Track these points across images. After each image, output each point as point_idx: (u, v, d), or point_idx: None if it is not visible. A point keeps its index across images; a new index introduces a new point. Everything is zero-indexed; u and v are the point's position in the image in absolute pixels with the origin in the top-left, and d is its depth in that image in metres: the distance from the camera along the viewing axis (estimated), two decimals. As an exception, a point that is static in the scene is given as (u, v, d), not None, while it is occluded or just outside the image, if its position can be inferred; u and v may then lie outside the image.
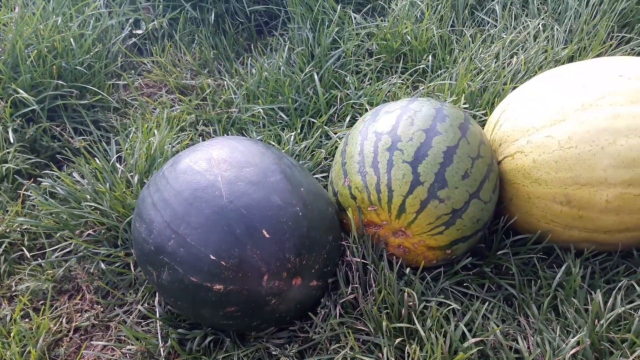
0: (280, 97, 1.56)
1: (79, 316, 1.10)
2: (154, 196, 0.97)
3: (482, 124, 1.34)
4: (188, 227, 0.89)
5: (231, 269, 0.87)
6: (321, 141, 1.43)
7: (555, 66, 1.40)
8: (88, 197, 1.23)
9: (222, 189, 0.91)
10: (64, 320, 1.10)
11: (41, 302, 1.14)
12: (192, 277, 0.89)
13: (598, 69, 1.06)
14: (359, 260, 1.03)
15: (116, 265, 1.17)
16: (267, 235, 0.89)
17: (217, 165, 0.95)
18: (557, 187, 1.01)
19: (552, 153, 1.01)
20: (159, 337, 1.04)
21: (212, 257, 0.87)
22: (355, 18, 1.78)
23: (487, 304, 1.03)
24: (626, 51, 1.52)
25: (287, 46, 1.71)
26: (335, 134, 1.42)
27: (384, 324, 0.96)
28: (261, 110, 1.51)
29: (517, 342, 0.96)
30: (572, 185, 1.00)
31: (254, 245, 0.88)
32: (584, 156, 0.98)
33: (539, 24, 1.63)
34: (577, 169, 0.99)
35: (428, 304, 0.99)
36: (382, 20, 1.76)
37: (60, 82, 1.51)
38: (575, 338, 0.90)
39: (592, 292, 1.01)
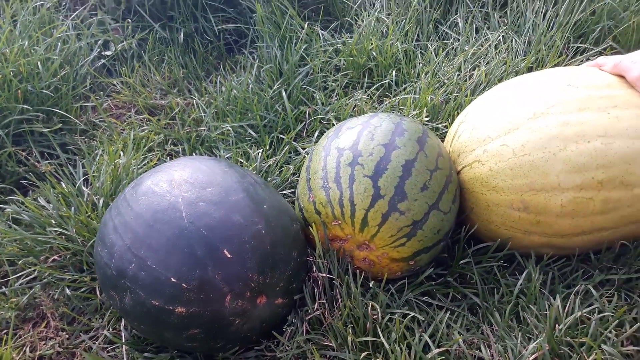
0: (249, 115, 1.57)
1: (44, 344, 1.09)
2: (115, 220, 0.97)
3: (444, 136, 1.36)
4: (148, 250, 0.89)
5: (192, 290, 0.87)
6: (290, 157, 1.45)
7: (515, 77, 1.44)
8: (53, 222, 1.22)
9: (182, 210, 0.91)
10: (27, 349, 1.08)
11: (4, 331, 1.12)
12: (153, 301, 0.89)
13: (548, 79, 1.09)
14: (324, 275, 1.04)
15: (82, 290, 1.16)
16: (229, 255, 0.89)
17: (178, 187, 0.95)
18: (513, 193, 1.03)
19: (508, 161, 1.03)
20: (126, 361, 1.03)
21: (173, 280, 0.87)
22: (322, 35, 1.81)
23: (449, 313, 1.04)
24: (582, 61, 1.56)
25: (255, 64, 1.73)
26: (304, 149, 1.44)
27: (349, 338, 0.97)
28: (230, 128, 1.52)
29: (481, 350, 0.97)
30: (528, 192, 1.02)
31: (216, 265, 0.88)
32: (537, 163, 1.01)
33: (499, 37, 1.67)
34: (531, 175, 1.01)
35: (392, 317, 1.00)
36: (348, 37, 1.79)
37: (25, 106, 1.50)
38: (534, 344, 0.91)
39: (553, 298, 1.03)
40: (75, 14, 1.94)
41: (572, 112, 1.02)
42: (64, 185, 1.30)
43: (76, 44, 1.81)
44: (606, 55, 1.57)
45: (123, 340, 1.06)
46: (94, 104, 1.68)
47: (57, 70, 1.65)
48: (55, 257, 1.18)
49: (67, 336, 1.11)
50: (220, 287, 0.88)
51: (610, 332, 0.95)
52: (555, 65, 1.54)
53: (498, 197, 1.06)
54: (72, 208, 1.25)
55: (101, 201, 1.24)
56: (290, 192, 1.32)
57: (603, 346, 0.89)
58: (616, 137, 1.00)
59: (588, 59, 1.54)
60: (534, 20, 1.67)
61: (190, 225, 0.89)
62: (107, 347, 1.08)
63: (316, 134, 1.48)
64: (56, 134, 1.55)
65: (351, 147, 1.06)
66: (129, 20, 1.91)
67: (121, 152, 1.40)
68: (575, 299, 1.00)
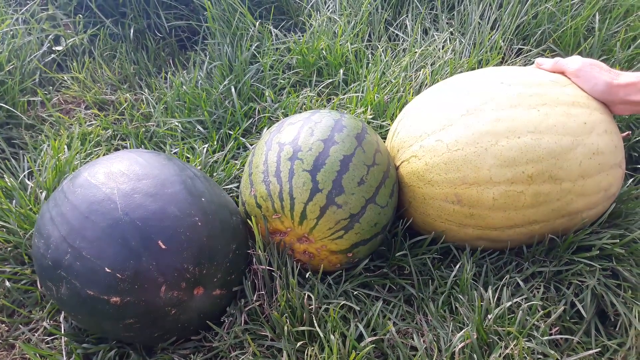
0: (198, 111, 1.57)
1: (-20, 337, 1.08)
2: (52, 211, 0.97)
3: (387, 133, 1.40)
4: (83, 240, 0.89)
5: (127, 280, 0.88)
6: (238, 152, 1.46)
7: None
8: (-6, 215, 1.21)
9: (117, 201, 0.92)
10: (-38, 342, 1.07)
11: (-61, 324, 1.11)
12: (89, 291, 0.89)
13: (483, 78, 1.14)
14: (264, 267, 1.06)
15: (22, 282, 1.15)
16: (164, 246, 0.90)
17: (115, 179, 0.96)
18: (448, 187, 1.07)
19: (442, 155, 1.07)
20: (64, 353, 1.03)
21: (108, 270, 0.88)
22: (276, 34, 1.82)
23: (386, 303, 1.08)
24: (524, 62, 1.62)
25: (206, 61, 1.73)
26: (252, 145, 1.45)
27: (286, 328, 0.99)
28: (179, 124, 1.53)
29: (414, 339, 1.01)
30: (461, 185, 1.06)
31: (150, 256, 0.89)
32: (469, 157, 1.05)
33: (446, 38, 1.72)
34: (464, 169, 1.05)
35: (329, 307, 1.03)
36: (298, 37, 1.81)
37: (-32, 99, 1.48)
38: (462, 332, 0.95)
39: (485, 290, 1.08)
40: (25, 8, 1.91)
41: (504, 108, 1.06)
42: (6, 179, 1.29)
43: (25, 38, 1.78)
44: (546, 56, 1.63)
45: (62, 332, 1.05)
46: (41, 98, 1.65)
47: (4, 64, 1.63)
48: (-6, 250, 1.17)
49: (6, 328, 1.10)
50: (154, 278, 0.89)
51: (537, 320, 1.00)
52: (497, 66, 1.59)
53: (433, 191, 1.09)
54: (14, 201, 1.23)
55: (44, 194, 1.23)
56: (235, 187, 1.33)
57: (530, 333, 0.94)
58: (545, 133, 1.04)
59: (530, 60, 1.60)
60: (479, 22, 1.72)
61: (125, 217, 0.90)
62: (46, 339, 1.07)
63: (265, 130, 1.49)
64: (2, 128, 1.53)
65: (291, 142, 1.08)
66: (81, 15, 1.89)
67: (65, 147, 1.39)
68: (506, 290, 1.04)
